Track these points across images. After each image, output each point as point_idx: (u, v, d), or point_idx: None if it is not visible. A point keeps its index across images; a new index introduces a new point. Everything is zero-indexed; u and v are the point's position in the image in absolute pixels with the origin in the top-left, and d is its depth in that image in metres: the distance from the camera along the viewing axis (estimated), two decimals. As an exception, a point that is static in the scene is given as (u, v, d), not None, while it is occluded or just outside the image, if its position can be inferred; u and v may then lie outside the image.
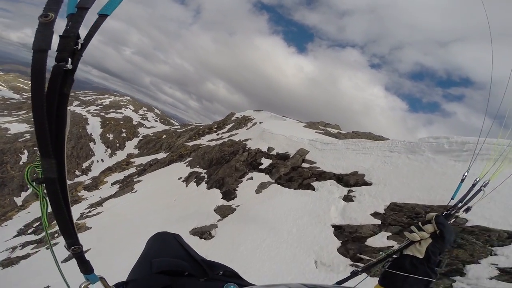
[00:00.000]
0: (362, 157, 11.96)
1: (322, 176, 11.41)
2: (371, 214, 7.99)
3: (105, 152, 51.63)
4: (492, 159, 1.68)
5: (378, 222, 7.57)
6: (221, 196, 12.98)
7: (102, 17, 0.66)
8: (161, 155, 30.82)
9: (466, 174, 1.68)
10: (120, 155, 51.79)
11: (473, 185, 1.60)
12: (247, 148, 17.86)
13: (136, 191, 18.23)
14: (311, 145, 14.93)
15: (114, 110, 59.00)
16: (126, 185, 20.39)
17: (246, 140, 20.23)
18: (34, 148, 42.39)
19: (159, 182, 18.95)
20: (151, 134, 57.03)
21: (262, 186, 12.43)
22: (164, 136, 53.04)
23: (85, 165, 46.67)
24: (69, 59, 0.62)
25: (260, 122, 31.18)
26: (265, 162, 14.88)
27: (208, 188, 14.42)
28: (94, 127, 52.73)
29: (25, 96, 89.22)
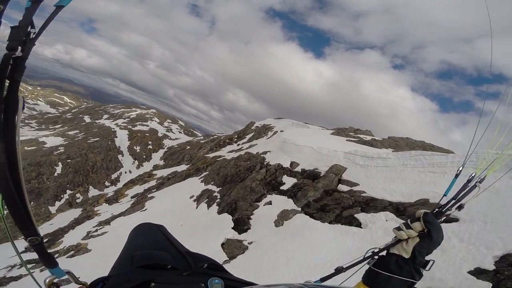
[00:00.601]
0: (430, 178, 8.67)
1: (371, 205, 8.29)
2: (471, 272, 4.90)
3: (132, 163, 53.71)
4: (490, 154, 1.58)
5: (487, 285, 4.57)
6: (232, 224, 10.90)
7: (58, 8, 0.71)
8: (182, 167, 31.18)
9: (461, 169, 1.60)
10: (147, 167, 53.50)
11: (468, 181, 1.49)
12: (265, 163, 15.78)
13: (146, 209, 17.41)
14: (348, 159, 11.68)
15: (140, 122, 61.10)
16: (138, 202, 19.96)
17: (265, 153, 18.13)
18: (68, 161, 45.18)
19: (170, 200, 17.94)
20: (176, 146, 58.34)
21: (284, 216, 9.74)
22: (188, 147, 54.15)
23: (114, 176, 48.90)
24: (19, 47, 0.66)
25: (281, 131, 29.76)
26: (288, 182, 12.27)
27: (219, 212, 12.69)
28: (122, 139, 54.85)
29: (60, 110, 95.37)
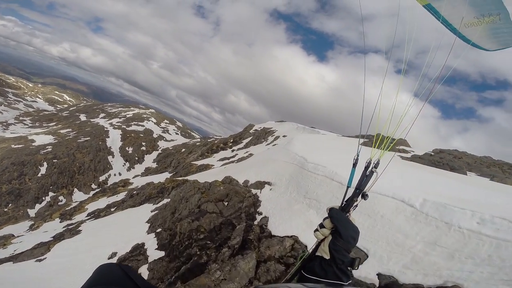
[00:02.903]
0: None
1: None
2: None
3: (123, 165, 51.06)
4: (378, 140, 1.72)
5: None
6: None
7: None
8: (163, 176, 27.63)
9: (356, 157, 1.66)
10: (138, 169, 51.09)
11: (366, 168, 1.55)
12: (256, 222, 7.72)
13: (74, 240, 12.75)
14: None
15: (136, 122, 58.43)
16: (74, 228, 14.87)
17: (262, 185, 9.75)
18: (54, 161, 42.55)
19: (86, 249, 11.38)
20: (171, 148, 55.48)
21: None
22: (183, 149, 51.38)
23: (101, 178, 46.13)
24: None
25: (284, 136, 26.58)
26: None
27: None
28: (114, 140, 52.36)
29: (58, 108, 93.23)
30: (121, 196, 20.98)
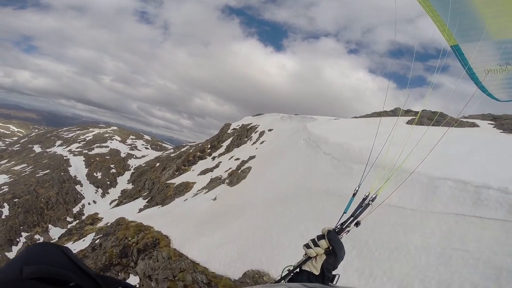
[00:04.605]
0: None
1: None
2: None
3: (95, 192, 48.01)
4: (379, 177, 1.82)
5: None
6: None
7: None
8: (138, 204, 23.65)
9: (357, 189, 1.84)
10: (114, 193, 48.37)
11: (363, 200, 1.74)
12: None
13: None
14: None
15: (98, 144, 53.45)
16: None
17: None
18: (15, 200, 38.26)
19: None
20: (143, 165, 51.71)
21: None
22: (158, 164, 47.95)
23: (75, 210, 42.77)
24: None
25: (270, 130, 24.27)
26: None
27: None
28: (77, 168, 48.10)
29: (7, 142, 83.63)
30: (88, 240, 17.63)
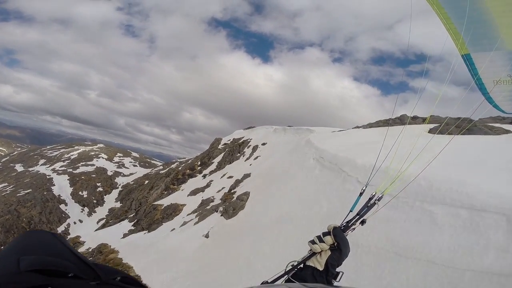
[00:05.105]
0: None
1: None
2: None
3: (81, 211, 46.67)
4: (387, 177, 1.82)
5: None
6: None
7: None
8: (125, 227, 22.17)
9: (364, 188, 1.85)
10: (101, 212, 47.06)
11: (370, 199, 1.76)
12: None
13: None
14: None
15: (84, 163, 51.78)
16: None
17: None
18: None
19: None
20: (132, 182, 50.23)
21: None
22: (147, 182, 46.67)
23: (60, 229, 41.40)
24: None
25: (263, 144, 23.49)
26: None
27: None
28: (61, 187, 46.55)
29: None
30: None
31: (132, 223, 20.45)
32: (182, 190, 22.82)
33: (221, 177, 20.76)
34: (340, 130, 20.14)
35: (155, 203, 20.96)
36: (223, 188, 17.01)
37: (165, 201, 20.28)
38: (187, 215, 15.14)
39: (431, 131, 10.85)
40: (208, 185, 19.92)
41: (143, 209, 21.40)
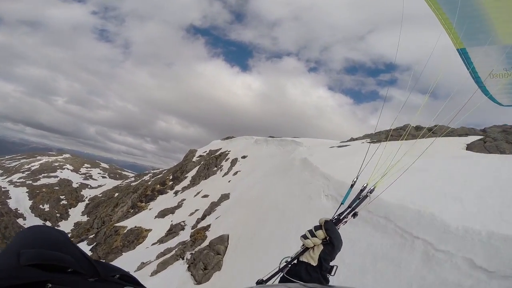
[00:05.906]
0: None
1: None
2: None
3: None
4: (378, 169, 1.73)
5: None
6: None
7: None
8: (83, 249, 20.17)
9: (355, 180, 1.77)
10: (66, 226, 43.89)
11: (361, 191, 1.68)
12: None
13: None
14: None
15: (46, 174, 47.97)
16: None
17: None
18: None
19: None
20: (100, 195, 47.00)
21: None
22: (117, 194, 43.77)
23: None
24: None
25: (243, 157, 21.91)
26: None
27: None
28: (19, 200, 43.05)
29: None
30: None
31: (91, 246, 18.27)
32: (150, 209, 20.86)
33: (195, 195, 19.16)
34: (339, 146, 14.95)
35: (118, 224, 18.90)
36: (196, 210, 15.37)
37: (129, 223, 18.27)
38: (152, 245, 13.37)
39: (468, 148, 9.29)
40: (179, 205, 18.21)
41: (104, 231, 19.21)
